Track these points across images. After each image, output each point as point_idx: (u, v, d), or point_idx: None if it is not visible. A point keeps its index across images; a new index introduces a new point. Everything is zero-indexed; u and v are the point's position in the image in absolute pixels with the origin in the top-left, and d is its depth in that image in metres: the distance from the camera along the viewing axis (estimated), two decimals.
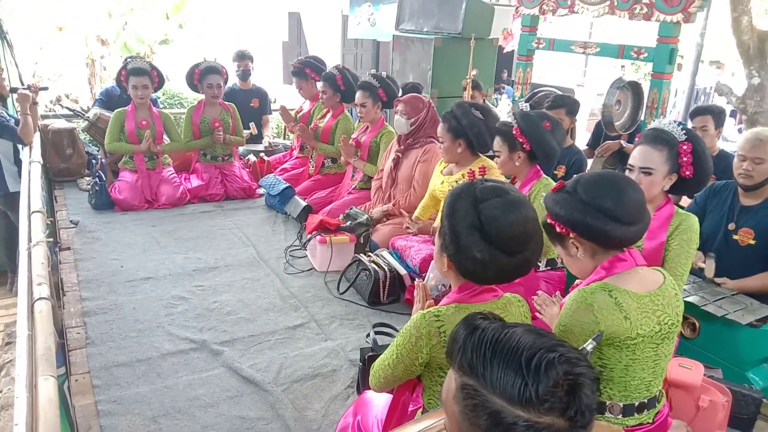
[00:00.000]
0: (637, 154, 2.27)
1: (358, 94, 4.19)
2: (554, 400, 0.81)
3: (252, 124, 5.59)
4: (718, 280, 2.80)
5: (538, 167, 2.86)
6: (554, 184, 2.69)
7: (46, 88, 5.17)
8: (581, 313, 1.61)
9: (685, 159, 2.18)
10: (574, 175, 1.77)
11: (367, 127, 4.35)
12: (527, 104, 2.93)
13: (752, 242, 2.79)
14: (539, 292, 2.04)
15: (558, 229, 1.70)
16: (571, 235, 1.69)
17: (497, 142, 2.86)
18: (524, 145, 2.75)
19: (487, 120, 3.16)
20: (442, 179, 3.33)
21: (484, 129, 3.13)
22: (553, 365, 0.82)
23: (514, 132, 2.75)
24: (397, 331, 1.78)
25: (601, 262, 1.69)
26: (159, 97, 6.23)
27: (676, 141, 2.19)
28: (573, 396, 0.82)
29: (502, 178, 2.90)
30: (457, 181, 3.15)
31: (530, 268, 1.65)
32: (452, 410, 0.90)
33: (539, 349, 0.84)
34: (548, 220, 1.72)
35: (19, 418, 1.49)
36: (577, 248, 1.71)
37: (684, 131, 2.21)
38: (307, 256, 3.69)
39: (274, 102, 6.59)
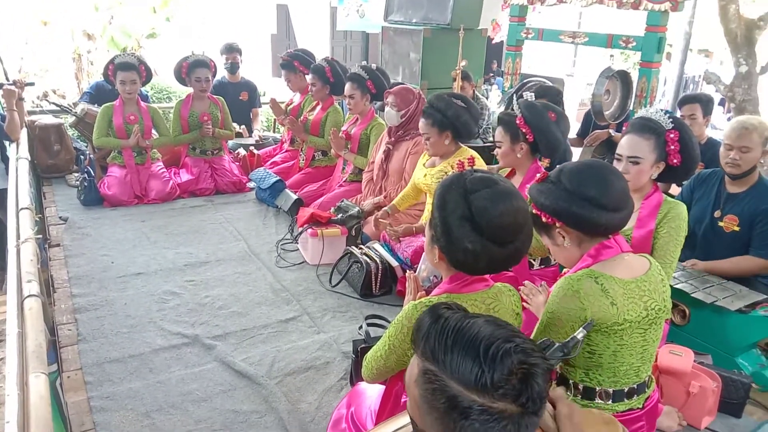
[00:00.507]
0: (625, 144, 2.27)
1: (347, 86, 4.18)
2: (508, 387, 0.86)
3: (243, 127, 5.56)
4: (687, 262, 2.83)
5: (539, 163, 2.81)
6: None
7: (32, 84, 5.12)
8: (568, 300, 1.62)
9: (672, 147, 2.20)
10: (557, 166, 1.78)
11: (357, 119, 4.34)
12: (531, 94, 2.88)
13: (736, 229, 2.82)
14: (526, 282, 2.05)
15: (544, 219, 1.70)
16: (557, 225, 1.70)
17: (499, 133, 2.79)
18: (527, 136, 2.69)
19: (470, 108, 3.15)
20: (425, 172, 3.30)
21: (468, 117, 3.13)
22: (509, 354, 0.87)
23: (517, 122, 2.69)
24: (390, 322, 1.78)
25: (588, 249, 1.70)
26: (148, 92, 6.18)
27: (663, 129, 2.20)
28: (525, 384, 0.87)
29: (485, 167, 2.89)
30: (446, 172, 3.14)
31: (521, 258, 1.65)
32: (414, 393, 0.95)
33: (497, 339, 0.89)
34: (534, 211, 1.72)
35: (10, 416, 1.48)
36: (563, 237, 1.72)
37: (671, 119, 2.22)
38: (298, 249, 3.69)
39: (264, 95, 6.56)
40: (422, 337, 0.94)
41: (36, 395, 1.52)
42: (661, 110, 2.28)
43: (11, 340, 1.79)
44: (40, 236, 3.04)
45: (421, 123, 3.19)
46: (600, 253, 1.68)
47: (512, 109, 2.78)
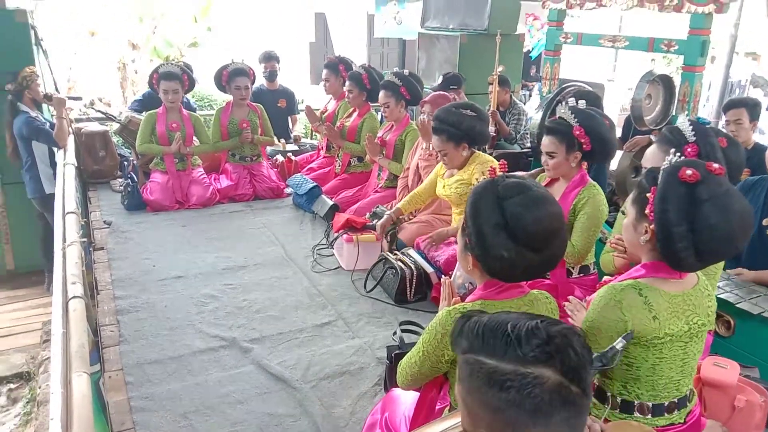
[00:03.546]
0: (648, 155, 2.22)
1: (381, 94, 4.19)
2: (537, 350, 0.90)
3: (282, 141, 5.63)
4: (732, 271, 2.73)
5: (584, 170, 2.71)
6: (600, 189, 2.63)
7: (80, 98, 5.29)
8: (609, 310, 1.57)
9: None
10: (717, 185, 1.50)
11: (392, 125, 4.34)
12: (583, 101, 2.76)
13: None
14: (570, 297, 1.99)
15: (647, 211, 1.56)
16: (651, 226, 1.56)
17: (552, 143, 2.64)
18: (584, 146, 2.58)
19: (480, 115, 3.15)
20: (443, 183, 3.29)
21: (482, 125, 3.12)
22: (537, 326, 0.93)
23: (576, 132, 2.57)
24: (424, 329, 1.77)
25: (655, 258, 1.60)
26: (189, 99, 6.31)
27: (683, 142, 2.10)
28: (557, 348, 0.90)
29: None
30: (460, 181, 3.13)
31: (557, 264, 1.62)
32: (462, 395, 0.98)
33: (522, 319, 0.96)
34: (649, 195, 1.56)
35: (54, 413, 1.53)
36: (645, 233, 1.60)
37: (694, 133, 2.09)
38: (334, 254, 3.71)
39: (302, 102, 6.65)
40: (457, 335, 1.01)
41: (79, 394, 1.56)
42: (695, 120, 2.18)
43: (56, 340, 1.84)
44: (85, 239, 3.13)
45: (435, 140, 3.16)
46: (658, 271, 1.60)
47: (560, 118, 2.68)
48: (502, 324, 0.95)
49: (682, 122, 2.17)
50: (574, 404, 0.87)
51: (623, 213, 1.84)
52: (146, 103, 5.27)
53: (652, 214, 1.54)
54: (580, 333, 0.94)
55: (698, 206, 1.46)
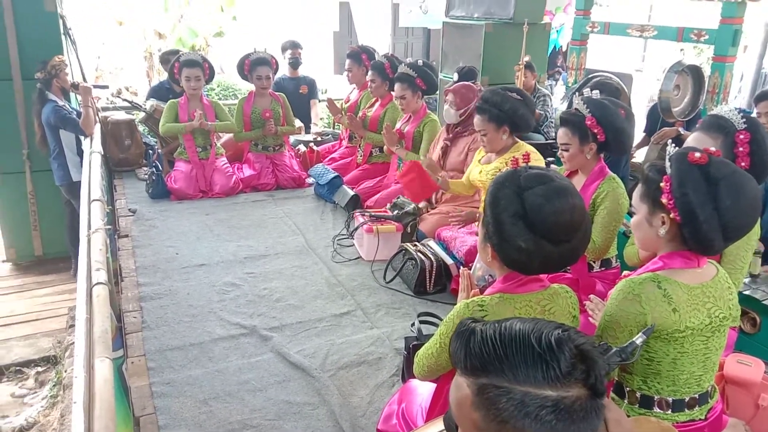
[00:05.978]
0: (691, 142, 2.16)
1: (396, 87, 4.15)
2: (576, 371, 0.83)
3: (302, 126, 5.61)
4: (765, 267, 2.68)
5: (603, 162, 2.66)
6: (620, 182, 2.59)
7: (106, 86, 5.35)
8: (628, 304, 1.55)
9: (741, 149, 2.04)
10: (723, 164, 1.53)
11: (410, 117, 4.31)
12: (597, 92, 2.73)
13: None
14: (591, 296, 1.96)
15: (664, 200, 1.54)
16: (671, 215, 1.54)
17: (565, 134, 2.60)
18: (598, 136, 2.53)
19: (526, 100, 3.08)
20: (480, 168, 3.24)
21: (526, 110, 3.06)
22: (563, 340, 0.84)
23: (588, 122, 2.53)
24: (442, 320, 1.77)
25: (673, 249, 1.59)
26: (213, 89, 6.36)
27: (733, 129, 2.06)
28: (588, 363, 0.84)
29: (542, 164, 2.80)
30: (499, 169, 3.08)
31: (577, 258, 1.60)
32: (471, 419, 0.88)
33: (542, 330, 0.86)
34: (664, 184, 1.54)
35: (77, 396, 1.55)
36: (663, 224, 1.58)
37: (744, 120, 2.07)
38: (354, 244, 3.71)
39: (325, 92, 6.66)
40: (464, 357, 0.88)
41: (101, 378, 1.59)
42: (737, 109, 2.14)
43: (80, 326, 1.88)
44: (110, 227, 3.17)
45: (477, 119, 3.11)
46: (674, 261, 1.58)
47: (575, 108, 2.65)
48: (524, 341, 0.84)
49: (729, 110, 2.12)
50: (598, 413, 0.84)
51: None
52: (155, 97, 5.29)
53: (671, 203, 1.52)
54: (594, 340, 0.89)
55: (715, 185, 1.48)
